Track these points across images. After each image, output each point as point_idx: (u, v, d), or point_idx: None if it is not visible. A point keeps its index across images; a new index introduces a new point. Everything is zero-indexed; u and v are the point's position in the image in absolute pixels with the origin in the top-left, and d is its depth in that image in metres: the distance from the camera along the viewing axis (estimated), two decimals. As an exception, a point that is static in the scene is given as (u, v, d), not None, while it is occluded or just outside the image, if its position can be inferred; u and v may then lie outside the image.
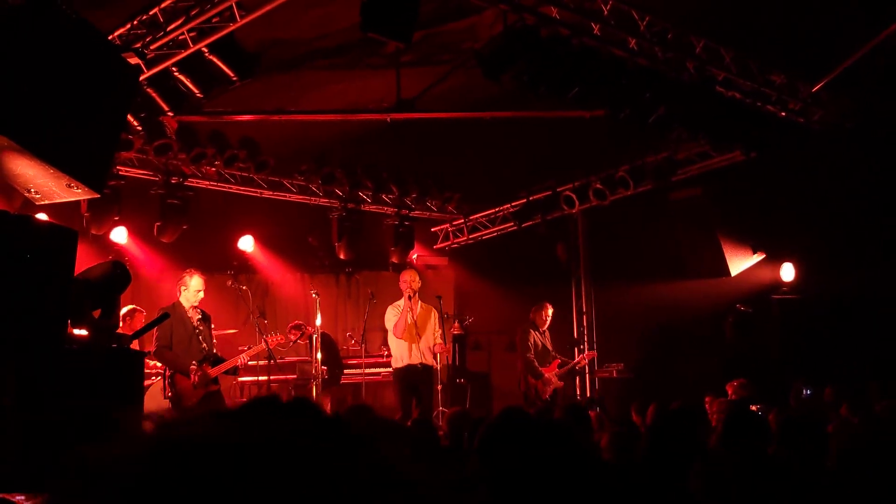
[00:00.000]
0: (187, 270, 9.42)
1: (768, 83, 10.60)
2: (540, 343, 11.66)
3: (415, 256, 15.09)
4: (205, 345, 9.17)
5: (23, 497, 4.57)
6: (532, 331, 11.68)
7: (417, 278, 10.91)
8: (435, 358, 10.71)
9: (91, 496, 0.79)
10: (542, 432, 2.70)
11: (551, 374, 11.56)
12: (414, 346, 10.49)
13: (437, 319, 10.86)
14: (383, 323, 10.96)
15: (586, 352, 12.68)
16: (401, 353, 10.54)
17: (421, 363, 10.49)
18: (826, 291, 11.79)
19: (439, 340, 10.73)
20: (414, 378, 10.45)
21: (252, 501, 0.76)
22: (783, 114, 10.95)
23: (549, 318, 11.86)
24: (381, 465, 0.87)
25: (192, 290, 9.22)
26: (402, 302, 10.76)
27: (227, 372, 9.64)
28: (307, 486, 0.79)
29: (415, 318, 10.60)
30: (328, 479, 0.80)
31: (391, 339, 10.74)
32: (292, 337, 10.89)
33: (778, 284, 12.57)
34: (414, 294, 10.72)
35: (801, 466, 4.32)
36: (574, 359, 12.73)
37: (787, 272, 12.64)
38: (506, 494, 2.66)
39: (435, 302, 11.13)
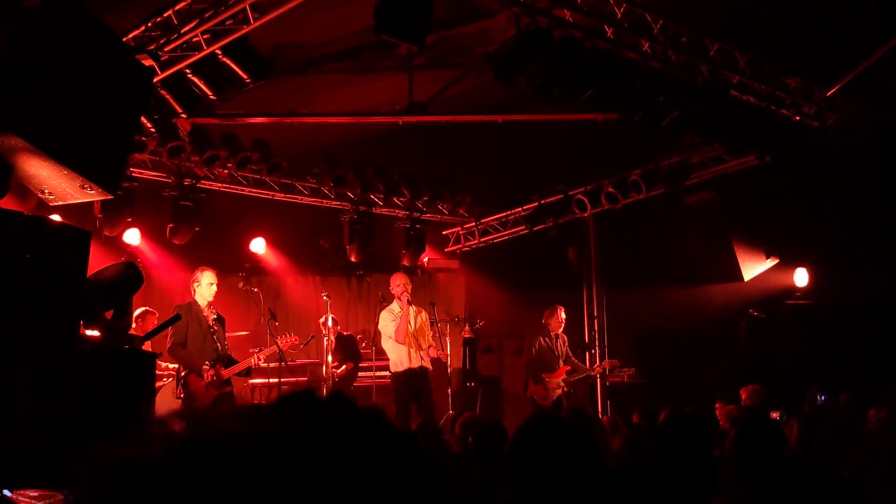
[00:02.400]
0: (199, 268, 9.43)
1: (783, 87, 10.56)
2: (548, 347, 11.52)
3: (426, 259, 15.07)
4: (219, 345, 9.15)
5: (36, 493, 4.57)
6: (540, 336, 11.54)
7: (409, 281, 10.88)
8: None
9: (123, 495, 0.77)
10: (571, 438, 2.69)
11: (557, 379, 11.41)
12: (412, 350, 10.44)
13: (427, 320, 10.81)
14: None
15: (605, 361, 12.48)
16: (400, 357, 10.48)
17: (420, 366, 10.45)
18: (840, 297, 11.74)
19: (432, 343, 10.67)
20: (415, 382, 10.39)
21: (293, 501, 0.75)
22: (798, 118, 10.92)
23: (562, 322, 11.71)
24: (425, 462, 0.85)
25: (204, 284, 9.21)
26: (395, 306, 10.69)
27: (239, 374, 9.64)
28: (349, 483, 0.77)
29: (414, 322, 10.57)
30: (372, 475, 0.79)
31: (388, 344, 10.63)
32: (324, 331, 10.97)
33: (791, 290, 12.52)
34: (409, 297, 10.69)
35: (821, 473, 4.29)
36: (587, 365, 12.62)
37: (801, 277, 12.59)
38: (535, 497, 2.65)
39: (426, 306, 11.09)
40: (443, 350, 10.80)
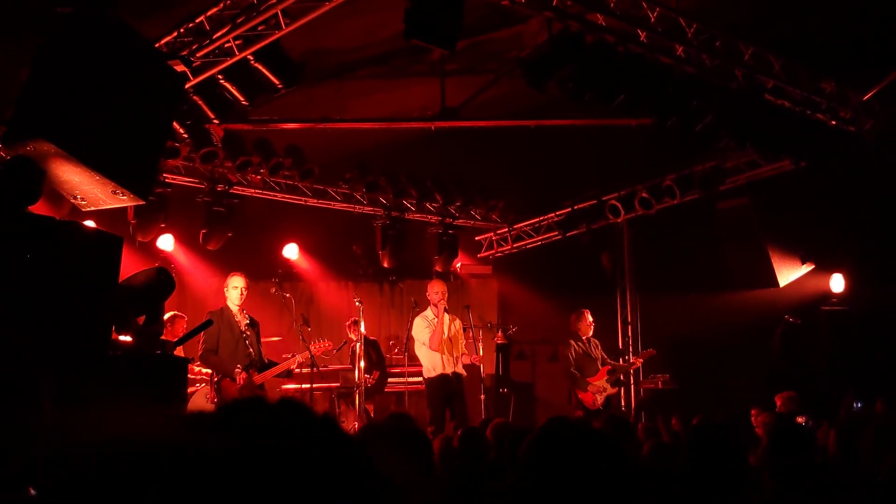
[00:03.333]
0: (230, 273, 9.47)
1: (818, 91, 10.45)
2: (583, 351, 11.44)
3: (458, 265, 15.06)
4: (251, 350, 9.16)
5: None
6: (573, 342, 11.45)
7: (447, 289, 10.85)
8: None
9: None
10: (588, 443, 2.65)
11: (600, 381, 11.33)
12: (446, 356, 10.43)
13: (461, 327, 10.80)
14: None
15: (641, 352, 12.35)
16: (433, 363, 10.46)
17: (454, 372, 10.43)
18: (876, 303, 11.58)
19: (465, 351, 10.65)
20: (448, 388, 10.37)
21: None
22: (833, 122, 10.79)
23: (590, 325, 11.61)
24: (365, 470, 0.83)
25: (230, 287, 9.25)
26: (429, 313, 10.66)
27: (279, 375, 9.66)
28: (284, 490, 0.76)
29: (448, 330, 10.55)
30: (307, 482, 0.77)
31: (421, 350, 10.62)
32: (352, 335, 10.98)
33: (827, 296, 12.37)
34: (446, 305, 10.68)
35: (857, 480, 4.23)
36: (624, 363, 12.52)
37: (837, 283, 12.44)
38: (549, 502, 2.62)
39: (460, 310, 11.07)
40: (477, 354, 10.76)
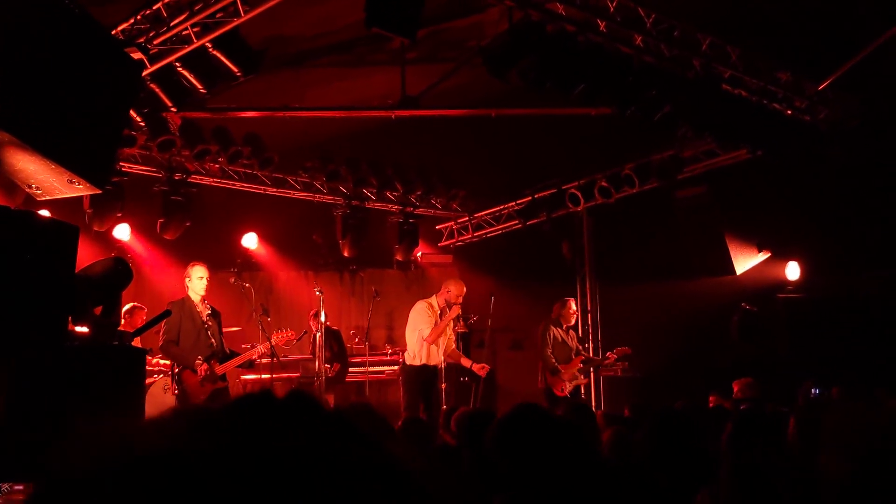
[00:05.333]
0: (191, 263, 9.39)
1: (775, 81, 10.56)
2: (560, 339, 11.53)
3: (419, 254, 15.05)
4: (213, 340, 9.11)
5: (21, 487, 4.53)
6: (553, 327, 11.54)
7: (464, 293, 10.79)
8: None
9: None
10: (553, 429, 2.67)
11: (573, 370, 11.42)
12: (435, 348, 10.43)
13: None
14: (387, 321, 10.89)
15: (616, 349, 12.41)
16: (422, 352, 10.43)
17: (436, 364, 10.44)
18: (831, 290, 11.74)
19: (471, 360, 10.73)
20: (427, 378, 10.38)
21: None
22: (789, 112, 10.92)
23: (573, 315, 11.72)
24: (386, 466, 0.81)
25: (195, 278, 9.17)
26: (435, 303, 10.61)
27: (241, 365, 9.60)
28: (303, 494, 0.74)
29: (449, 330, 10.56)
30: (328, 483, 0.75)
31: (414, 336, 10.56)
32: (313, 325, 10.94)
33: (783, 283, 12.52)
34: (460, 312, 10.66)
35: (812, 466, 4.27)
36: (600, 356, 12.59)
37: (793, 271, 12.60)
38: (514, 487, 2.64)
39: (431, 307, 11.06)
40: (483, 365, 10.77)
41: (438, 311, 10.55)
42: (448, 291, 10.60)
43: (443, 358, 10.49)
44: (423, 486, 0.82)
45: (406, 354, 10.61)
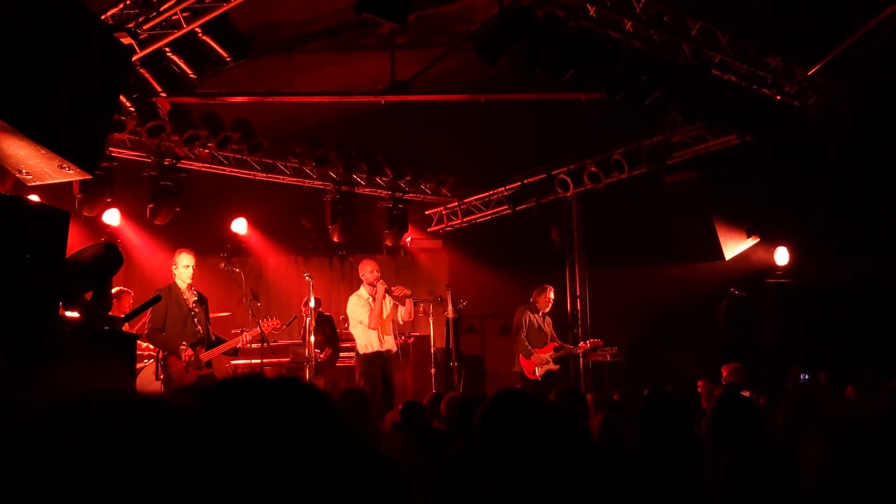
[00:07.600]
0: (178, 249, 9.35)
1: (764, 66, 10.58)
2: (536, 324, 11.61)
3: (409, 239, 15.06)
4: (199, 327, 9.09)
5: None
6: (529, 312, 11.63)
7: (378, 266, 10.76)
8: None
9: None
10: (539, 414, 2.69)
11: (546, 355, 11.51)
12: (380, 332, 10.41)
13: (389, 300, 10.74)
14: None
15: (589, 339, 12.49)
16: (369, 340, 10.36)
17: (387, 350, 10.44)
18: (820, 276, 11.80)
19: (391, 314, 10.63)
20: (383, 364, 10.37)
21: (225, 482, 0.73)
22: (779, 97, 10.95)
23: (550, 302, 11.80)
24: (366, 446, 0.83)
25: (181, 266, 9.14)
26: (364, 292, 10.58)
27: (227, 353, 9.59)
28: (286, 465, 0.75)
29: (385, 308, 10.53)
30: (307, 458, 0.77)
31: (357, 329, 10.53)
32: (305, 312, 10.93)
33: (772, 268, 12.58)
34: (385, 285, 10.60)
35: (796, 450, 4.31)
36: (573, 345, 12.63)
37: (782, 256, 12.65)
38: (501, 472, 2.66)
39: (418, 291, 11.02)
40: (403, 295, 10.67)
41: (369, 298, 10.51)
42: (364, 276, 10.62)
43: (391, 340, 10.48)
44: (397, 474, 0.84)
45: (357, 347, 10.55)
